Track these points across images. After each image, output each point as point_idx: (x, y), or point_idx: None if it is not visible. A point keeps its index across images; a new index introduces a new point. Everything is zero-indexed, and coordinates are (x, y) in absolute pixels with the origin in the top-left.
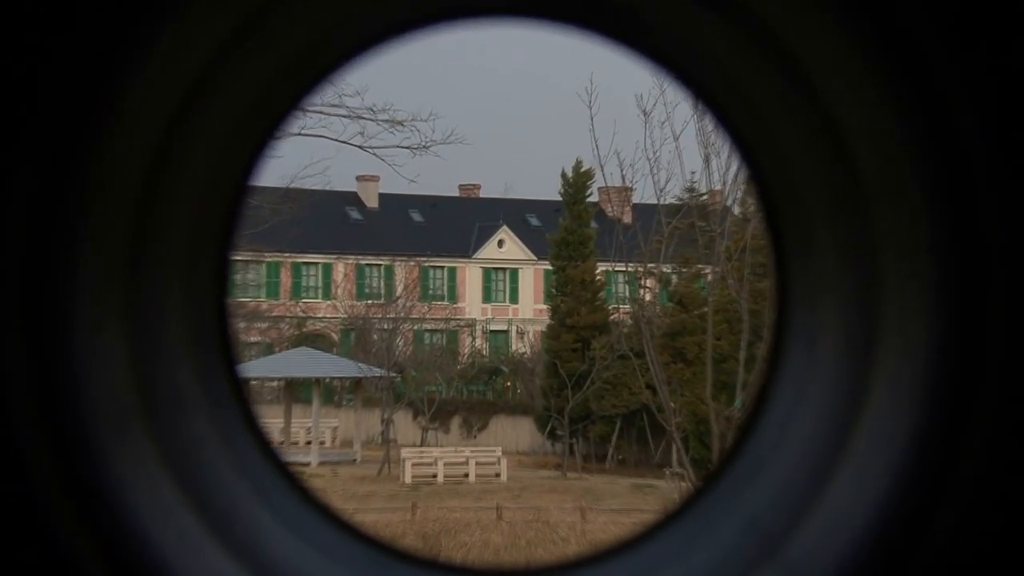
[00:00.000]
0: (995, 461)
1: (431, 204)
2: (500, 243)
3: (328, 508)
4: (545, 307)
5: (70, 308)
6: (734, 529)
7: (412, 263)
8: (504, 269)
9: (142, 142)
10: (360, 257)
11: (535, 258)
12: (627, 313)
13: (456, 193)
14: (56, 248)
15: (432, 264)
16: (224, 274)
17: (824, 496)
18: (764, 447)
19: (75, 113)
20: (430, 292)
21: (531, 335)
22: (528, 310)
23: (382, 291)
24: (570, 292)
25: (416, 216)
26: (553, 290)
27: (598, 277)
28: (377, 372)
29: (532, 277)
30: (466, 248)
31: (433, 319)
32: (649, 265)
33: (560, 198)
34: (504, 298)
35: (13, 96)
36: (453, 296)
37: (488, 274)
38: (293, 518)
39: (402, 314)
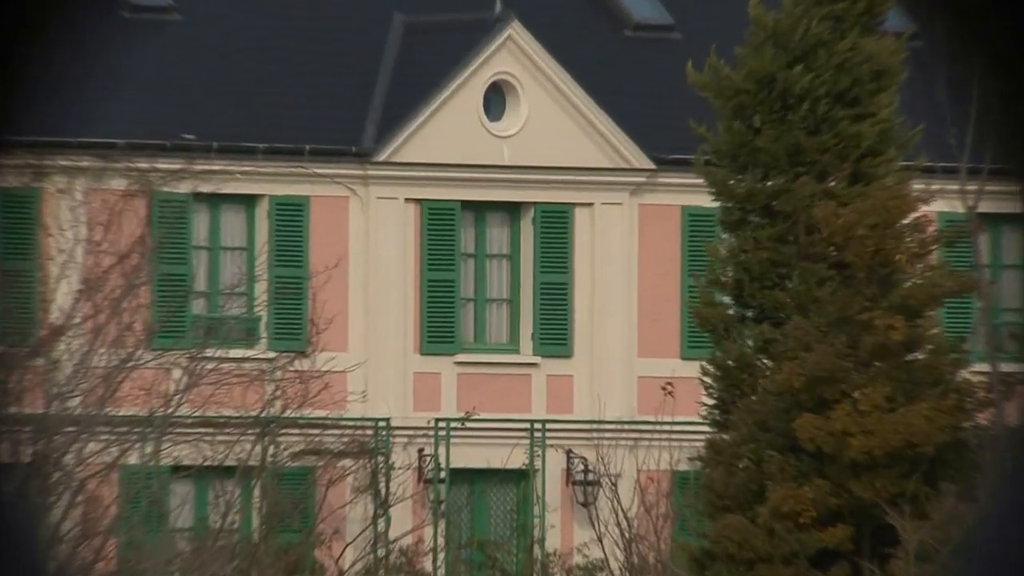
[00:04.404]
0: None
1: None
2: (496, 89)
3: None
4: (697, 366)
5: None
6: None
7: (118, 191)
8: (510, 206)
9: None
10: None
11: (645, 166)
12: None
13: None
14: None
15: (215, 190)
16: None
17: None
18: None
19: None
20: (190, 315)
21: (633, 480)
22: (621, 385)
23: None
24: (803, 297)
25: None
26: (728, 299)
27: (913, 244)
28: None
29: (632, 244)
30: (353, 129)
31: (204, 425)
32: None
33: None
34: (509, 336)
35: None
36: (302, 330)
37: (450, 231)
38: None
39: (77, 404)
